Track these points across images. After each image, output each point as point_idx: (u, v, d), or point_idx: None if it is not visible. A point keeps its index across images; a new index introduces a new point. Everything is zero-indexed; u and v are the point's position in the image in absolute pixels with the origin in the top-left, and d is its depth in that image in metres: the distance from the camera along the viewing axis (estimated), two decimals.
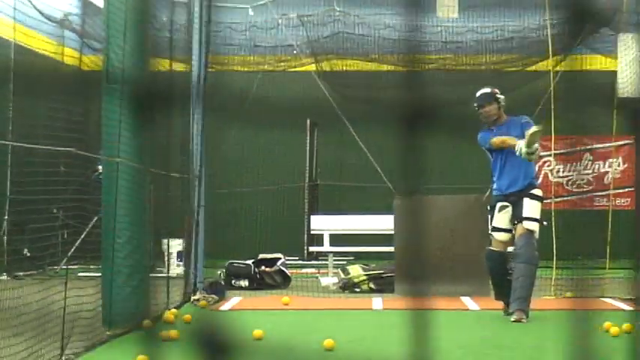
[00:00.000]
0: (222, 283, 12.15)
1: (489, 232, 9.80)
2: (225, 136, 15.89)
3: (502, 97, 9.78)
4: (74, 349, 7.21)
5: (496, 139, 9.54)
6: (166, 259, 13.68)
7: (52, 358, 6.81)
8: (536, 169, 16.88)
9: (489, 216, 9.87)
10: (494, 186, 9.75)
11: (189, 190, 11.27)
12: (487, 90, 9.85)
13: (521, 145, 9.14)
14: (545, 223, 9.65)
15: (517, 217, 9.41)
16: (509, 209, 9.48)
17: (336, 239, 14.30)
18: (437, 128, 1.69)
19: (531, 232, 9.33)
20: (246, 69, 16.73)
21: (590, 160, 17.32)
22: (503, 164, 9.57)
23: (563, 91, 13.41)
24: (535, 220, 9.38)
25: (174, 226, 12.04)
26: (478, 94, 9.85)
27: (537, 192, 9.53)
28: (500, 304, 9.78)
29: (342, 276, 12.61)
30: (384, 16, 14.93)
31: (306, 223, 15.87)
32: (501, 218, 9.56)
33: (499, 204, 9.57)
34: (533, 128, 9.15)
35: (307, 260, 15.99)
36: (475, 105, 9.79)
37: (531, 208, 9.38)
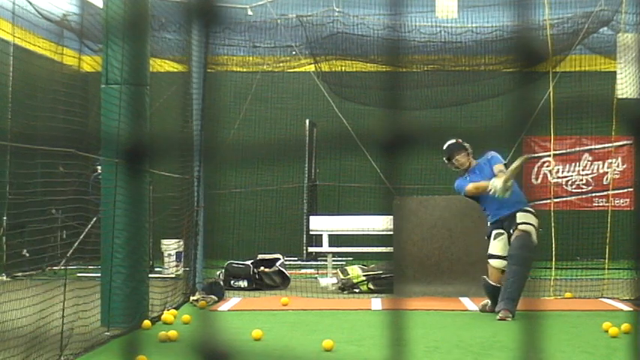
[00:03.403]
0: (222, 283, 12.14)
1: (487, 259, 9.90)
2: (225, 137, 15.89)
3: (468, 144, 10.01)
4: (73, 350, 7.21)
5: (470, 187, 9.80)
6: (165, 259, 13.70)
7: (51, 359, 6.81)
8: (540, 176, 16.93)
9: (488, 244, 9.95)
10: (487, 215, 9.87)
11: (188, 190, 11.27)
12: (453, 140, 10.08)
13: (495, 185, 9.41)
14: (540, 230, 9.71)
15: (512, 227, 9.55)
16: (505, 237, 9.65)
17: (335, 240, 14.30)
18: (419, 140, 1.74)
19: (527, 233, 9.40)
20: (245, 69, 16.74)
21: (589, 161, 17.33)
22: (491, 197, 9.69)
23: (562, 92, 13.42)
24: (532, 224, 9.49)
25: (174, 227, 12.04)
26: (445, 146, 10.06)
27: (529, 207, 9.66)
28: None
29: (341, 276, 12.61)
30: (384, 16, 14.92)
31: (305, 223, 15.87)
32: (497, 245, 9.74)
33: (494, 231, 9.77)
34: (517, 162, 9.49)
35: (306, 261, 15.99)
36: (445, 157, 9.99)
37: (525, 216, 9.52)
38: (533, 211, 9.67)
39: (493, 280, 9.69)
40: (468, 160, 9.93)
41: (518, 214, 9.53)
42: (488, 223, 9.86)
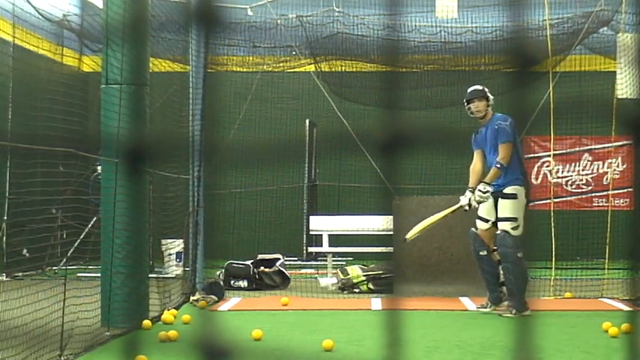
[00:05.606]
0: (222, 283, 12.14)
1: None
2: (225, 137, 15.89)
3: (492, 97, 10.02)
4: (73, 350, 7.21)
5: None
6: (165, 259, 13.70)
7: (51, 359, 6.81)
8: (540, 176, 16.95)
9: None
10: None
11: (188, 190, 11.27)
12: (479, 87, 10.19)
13: (464, 202, 9.84)
14: (518, 217, 9.73)
15: (495, 208, 9.81)
16: (491, 200, 9.77)
17: (335, 240, 14.30)
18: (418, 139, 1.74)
19: (505, 231, 9.62)
20: (245, 69, 16.74)
21: (589, 161, 17.33)
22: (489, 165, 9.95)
23: (562, 92, 13.42)
24: (508, 219, 9.64)
25: (174, 227, 12.04)
26: (470, 89, 10.15)
27: (510, 190, 9.68)
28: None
29: (341, 276, 12.61)
30: (384, 16, 14.93)
31: (305, 223, 15.87)
32: (481, 207, 9.91)
33: None
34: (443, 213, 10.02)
35: (306, 261, 16.00)
36: (465, 100, 10.00)
37: (504, 208, 9.69)
38: (513, 191, 9.66)
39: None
40: (485, 110, 9.93)
41: (499, 204, 9.69)
42: None
